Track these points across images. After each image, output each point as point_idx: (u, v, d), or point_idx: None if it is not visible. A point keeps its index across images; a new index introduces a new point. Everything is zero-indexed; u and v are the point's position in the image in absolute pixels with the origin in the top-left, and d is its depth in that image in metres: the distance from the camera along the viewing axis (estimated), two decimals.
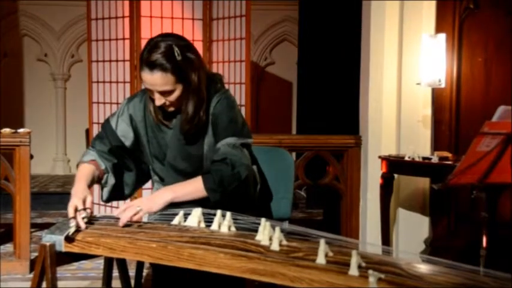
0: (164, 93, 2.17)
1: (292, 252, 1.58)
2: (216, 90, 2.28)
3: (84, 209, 2.01)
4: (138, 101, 2.36)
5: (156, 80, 2.13)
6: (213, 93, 2.26)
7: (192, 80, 2.17)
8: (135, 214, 2.02)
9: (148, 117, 2.32)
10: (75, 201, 2.03)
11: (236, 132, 2.22)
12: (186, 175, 2.24)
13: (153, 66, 2.12)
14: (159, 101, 2.18)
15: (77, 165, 2.29)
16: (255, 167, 2.31)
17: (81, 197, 2.05)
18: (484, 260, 2.60)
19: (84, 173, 2.23)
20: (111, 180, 2.31)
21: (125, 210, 2.03)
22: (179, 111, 2.25)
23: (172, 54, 2.13)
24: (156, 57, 2.12)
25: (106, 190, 2.33)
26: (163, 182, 2.33)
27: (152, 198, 2.12)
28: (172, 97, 2.18)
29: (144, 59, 2.14)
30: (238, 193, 2.15)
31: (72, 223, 1.93)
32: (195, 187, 2.13)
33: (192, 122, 2.21)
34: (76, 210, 1.99)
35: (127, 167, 2.36)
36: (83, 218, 1.98)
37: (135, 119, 2.34)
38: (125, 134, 2.33)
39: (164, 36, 2.23)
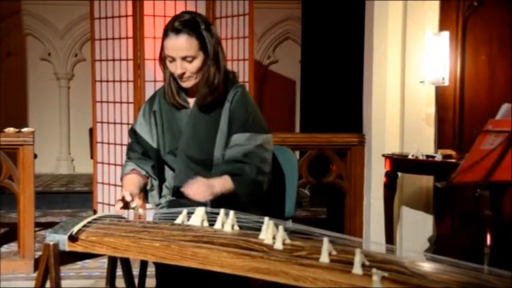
0: (186, 60, 2.24)
1: (295, 251, 1.58)
2: (232, 83, 2.37)
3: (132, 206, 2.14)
4: (153, 98, 2.46)
5: (181, 43, 2.22)
6: (229, 86, 2.35)
7: (214, 49, 2.28)
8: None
9: (163, 107, 2.40)
10: (122, 193, 2.14)
11: (256, 128, 2.30)
12: (197, 163, 2.31)
13: (178, 31, 2.23)
14: (180, 69, 2.25)
15: (121, 179, 2.39)
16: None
17: (130, 191, 2.16)
18: (488, 258, 2.59)
19: (130, 181, 2.31)
20: (156, 182, 2.40)
21: (196, 187, 2.12)
22: (195, 93, 2.32)
23: (197, 23, 2.26)
24: (181, 23, 2.23)
25: (155, 193, 2.41)
26: (174, 172, 2.38)
27: (209, 188, 2.15)
28: (193, 66, 2.26)
29: (170, 27, 2.25)
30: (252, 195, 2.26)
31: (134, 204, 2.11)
32: (227, 187, 2.20)
33: (211, 87, 2.28)
34: (123, 200, 2.11)
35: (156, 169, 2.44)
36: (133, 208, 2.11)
37: (152, 111, 2.41)
38: (148, 132, 2.41)
39: (187, 11, 2.38)
